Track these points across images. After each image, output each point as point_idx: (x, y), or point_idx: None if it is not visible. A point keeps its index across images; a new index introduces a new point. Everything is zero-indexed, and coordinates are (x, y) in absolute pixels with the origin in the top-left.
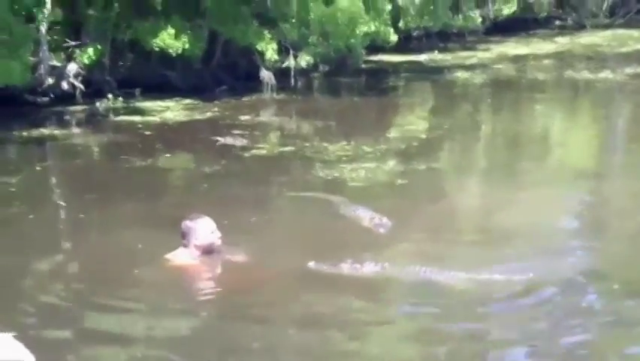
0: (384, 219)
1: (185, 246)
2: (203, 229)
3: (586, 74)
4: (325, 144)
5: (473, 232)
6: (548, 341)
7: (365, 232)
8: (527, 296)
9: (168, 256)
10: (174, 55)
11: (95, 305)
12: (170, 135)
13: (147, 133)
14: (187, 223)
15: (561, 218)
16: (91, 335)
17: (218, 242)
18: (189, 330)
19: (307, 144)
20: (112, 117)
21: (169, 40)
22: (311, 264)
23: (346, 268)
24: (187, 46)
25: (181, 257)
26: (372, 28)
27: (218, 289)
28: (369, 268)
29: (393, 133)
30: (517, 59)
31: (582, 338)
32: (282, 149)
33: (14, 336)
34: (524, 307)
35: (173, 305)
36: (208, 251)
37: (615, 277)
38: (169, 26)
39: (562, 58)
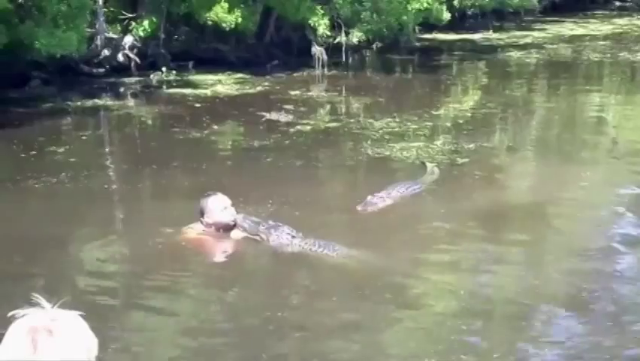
0: (377, 200)
1: (201, 222)
2: (214, 206)
3: None
4: (371, 121)
5: (524, 218)
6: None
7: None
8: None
9: (185, 228)
10: (228, 29)
11: (134, 274)
12: (220, 108)
13: (198, 105)
14: (201, 200)
15: (613, 202)
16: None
17: (232, 218)
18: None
19: (353, 120)
20: (164, 89)
21: (222, 14)
22: (238, 217)
23: (262, 230)
24: (240, 20)
25: (192, 231)
26: (425, 5)
27: (211, 263)
28: (279, 238)
29: (442, 111)
30: (572, 39)
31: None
32: (328, 125)
33: (80, 315)
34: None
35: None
36: (222, 228)
37: None
38: (223, 0)
39: (619, 40)
